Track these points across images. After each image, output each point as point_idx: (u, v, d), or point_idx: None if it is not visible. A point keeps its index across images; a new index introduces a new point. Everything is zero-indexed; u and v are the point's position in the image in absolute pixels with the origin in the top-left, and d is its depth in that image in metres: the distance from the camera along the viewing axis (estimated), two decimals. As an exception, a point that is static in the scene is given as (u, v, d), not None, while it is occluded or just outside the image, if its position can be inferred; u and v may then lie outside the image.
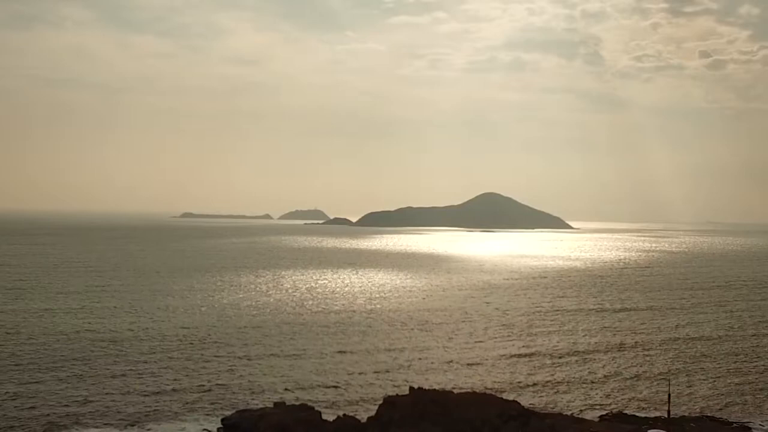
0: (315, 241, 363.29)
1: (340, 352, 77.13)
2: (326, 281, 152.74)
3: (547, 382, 66.64)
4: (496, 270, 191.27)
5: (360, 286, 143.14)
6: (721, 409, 59.07)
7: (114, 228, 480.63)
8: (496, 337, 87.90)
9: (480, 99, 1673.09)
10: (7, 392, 58.41)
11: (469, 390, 56.50)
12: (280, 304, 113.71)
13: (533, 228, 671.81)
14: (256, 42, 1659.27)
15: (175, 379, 63.89)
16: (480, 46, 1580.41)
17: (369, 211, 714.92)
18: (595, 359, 76.89)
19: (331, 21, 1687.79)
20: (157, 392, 59.66)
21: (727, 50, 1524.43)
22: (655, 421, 53.78)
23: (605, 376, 69.31)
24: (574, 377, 68.60)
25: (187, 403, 56.94)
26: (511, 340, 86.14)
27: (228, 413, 50.94)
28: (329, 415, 50.01)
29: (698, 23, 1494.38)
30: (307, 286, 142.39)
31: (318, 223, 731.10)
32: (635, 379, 68.67)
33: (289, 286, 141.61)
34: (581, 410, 57.39)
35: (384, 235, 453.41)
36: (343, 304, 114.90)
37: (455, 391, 52.62)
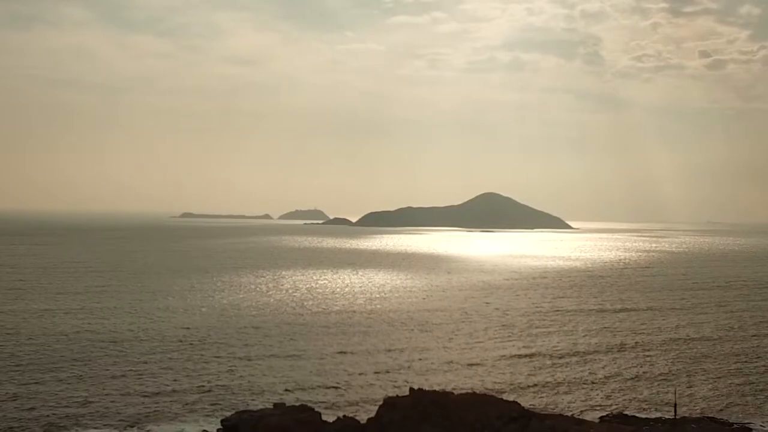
0: (315, 241, 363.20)
1: (340, 352, 77.04)
2: (326, 281, 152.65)
3: (548, 382, 66.54)
4: (496, 270, 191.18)
5: (360, 287, 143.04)
6: (721, 410, 58.95)
7: (114, 228, 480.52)
8: (496, 338, 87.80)
9: (479, 99, 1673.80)
10: (6, 393, 58.32)
11: (469, 391, 56.35)
12: (279, 304, 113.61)
13: (533, 228, 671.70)
14: (256, 42, 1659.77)
15: (174, 380, 63.80)
16: (479, 46, 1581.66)
17: (369, 211, 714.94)
18: (595, 360, 76.80)
19: (330, 21, 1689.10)
20: (157, 393, 59.57)
21: (727, 50, 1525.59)
22: (656, 422, 53.73)
23: (605, 377, 69.21)
24: (574, 378, 68.50)
25: (186, 404, 56.85)
26: (511, 341, 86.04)
27: (227, 414, 50.81)
28: (329, 416, 49.89)
29: (698, 23, 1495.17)
30: (307, 286, 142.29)
31: (318, 223, 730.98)
32: (636, 379, 68.57)
33: (288, 286, 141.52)
34: (581, 411, 57.31)
35: (384, 235, 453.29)
36: (343, 305, 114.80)
37: (455, 392, 52.47)
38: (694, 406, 59.96)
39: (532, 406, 54.94)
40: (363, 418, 49.34)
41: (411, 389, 49.07)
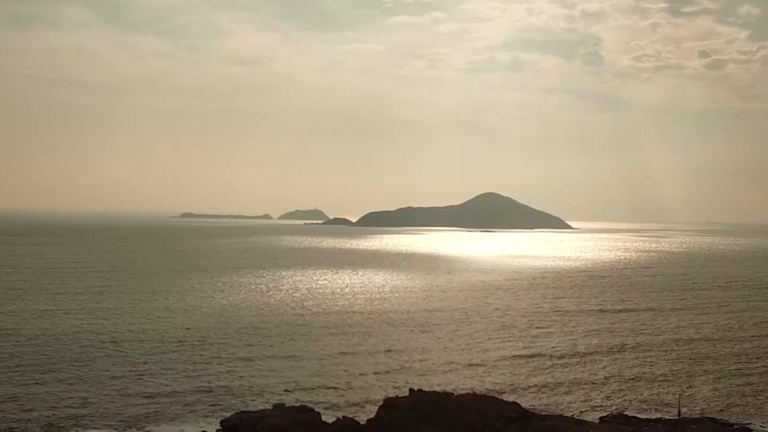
0: (315, 241, 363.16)
1: (340, 353, 76.99)
2: (326, 282, 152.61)
3: (548, 383, 66.49)
4: (496, 270, 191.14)
5: (360, 287, 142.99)
6: (722, 411, 58.90)
7: (114, 228, 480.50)
8: (496, 338, 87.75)
9: (479, 99, 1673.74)
10: (6, 393, 58.27)
11: (469, 391, 56.30)
12: (279, 304, 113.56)
13: (533, 228, 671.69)
14: (256, 42, 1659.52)
15: (174, 381, 63.76)
16: (479, 46, 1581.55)
17: (369, 211, 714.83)
18: (595, 360, 76.76)
19: (330, 21, 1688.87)
20: (157, 394, 59.53)
21: (727, 50, 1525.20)
22: (656, 423, 53.70)
23: (606, 378, 69.16)
24: (574, 378, 68.45)
25: (186, 405, 56.80)
26: (511, 341, 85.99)
27: (227, 415, 50.74)
28: (329, 417, 49.84)
29: (698, 23, 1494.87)
30: (307, 286, 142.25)
31: (318, 223, 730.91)
32: (636, 380, 68.52)
33: (288, 286, 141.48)
34: (582, 412, 57.27)
35: (384, 235, 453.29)
36: (343, 305, 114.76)
37: (455, 392, 52.40)
38: (695, 407, 59.90)
39: (532, 407, 54.89)
40: (363, 418, 49.31)
41: (411, 390, 49.02)
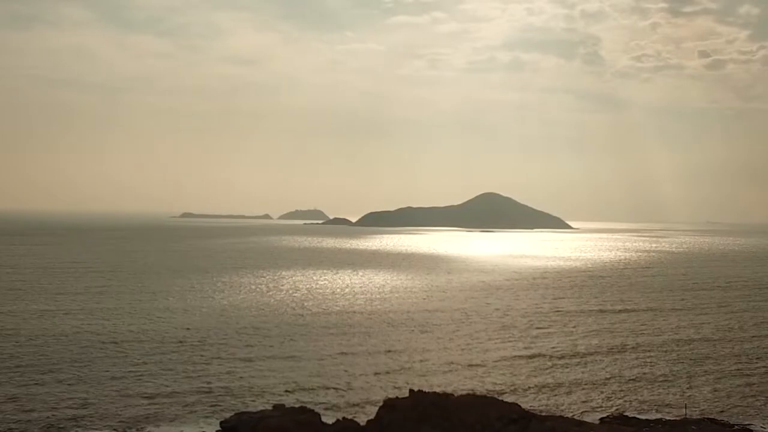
0: (315, 241, 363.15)
1: (340, 353, 76.94)
2: (326, 282, 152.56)
3: (548, 384, 66.44)
4: (497, 270, 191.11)
5: (360, 287, 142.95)
6: (722, 411, 58.84)
7: (114, 228, 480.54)
8: (496, 339, 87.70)
9: (479, 99, 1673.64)
10: (6, 394, 58.22)
11: (469, 392, 56.28)
12: (279, 305, 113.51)
13: (533, 228, 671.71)
14: (256, 42, 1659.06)
15: (174, 381, 63.71)
16: (479, 46, 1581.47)
17: (369, 211, 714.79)
18: (595, 361, 76.71)
19: (330, 21, 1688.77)
20: (157, 394, 59.47)
21: (727, 50, 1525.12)
22: (656, 423, 53.68)
23: (606, 378, 69.10)
24: (574, 379, 68.40)
25: (186, 406, 56.74)
26: (511, 342, 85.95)
27: (227, 415, 50.66)
28: (329, 418, 49.78)
29: (697, 23, 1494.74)
30: (307, 286, 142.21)
31: (318, 223, 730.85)
32: (636, 380, 68.46)
33: (288, 286, 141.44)
34: (582, 412, 57.21)
35: (384, 235, 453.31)
36: (343, 305, 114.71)
37: (455, 393, 52.33)
38: (695, 408, 59.84)
39: (532, 408, 54.85)
40: (363, 419, 49.24)
41: (411, 390, 48.94)
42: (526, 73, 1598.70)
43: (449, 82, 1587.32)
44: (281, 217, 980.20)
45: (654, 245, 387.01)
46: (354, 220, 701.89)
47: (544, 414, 51.92)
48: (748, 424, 55.17)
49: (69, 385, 61.77)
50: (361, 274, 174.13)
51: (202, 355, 74.20)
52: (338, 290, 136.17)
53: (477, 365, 73.11)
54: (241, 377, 65.88)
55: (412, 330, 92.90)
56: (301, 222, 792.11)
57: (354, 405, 57.89)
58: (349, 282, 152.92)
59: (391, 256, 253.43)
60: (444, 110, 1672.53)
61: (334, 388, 62.82)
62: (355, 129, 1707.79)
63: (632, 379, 68.82)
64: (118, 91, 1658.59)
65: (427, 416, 45.72)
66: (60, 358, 71.06)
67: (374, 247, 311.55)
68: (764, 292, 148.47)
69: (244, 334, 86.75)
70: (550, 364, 74.60)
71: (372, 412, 49.86)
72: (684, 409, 58.37)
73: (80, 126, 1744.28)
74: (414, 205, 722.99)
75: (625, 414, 56.60)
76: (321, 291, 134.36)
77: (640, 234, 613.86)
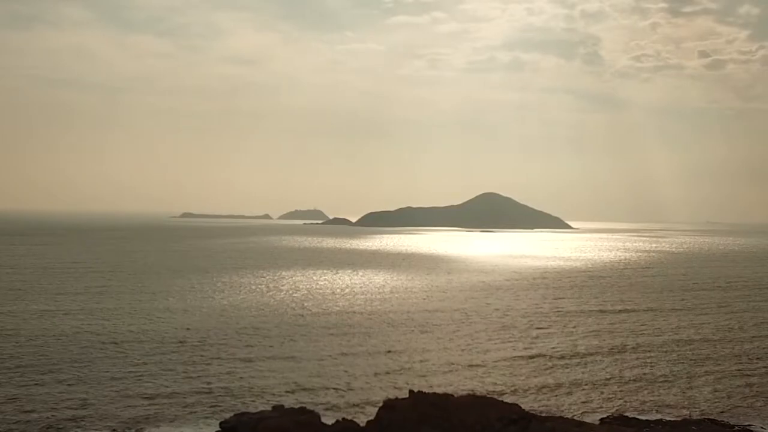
0: (314, 241, 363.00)
1: (340, 354, 76.86)
2: (326, 282, 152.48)
3: (548, 384, 66.38)
4: (496, 270, 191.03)
5: (360, 287, 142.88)
6: (723, 412, 58.78)
7: (114, 228, 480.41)
8: (496, 339, 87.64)
9: (479, 99, 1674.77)
10: (5, 395, 58.16)
11: (469, 393, 56.21)
12: (279, 305, 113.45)
13: (533, 228, 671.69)
14: (256, 42, 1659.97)
15: (174, 382, 63.66)
16: (479, 46, 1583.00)
17: (369, 211, 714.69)
18: (596, 361, 76.64)
19: (330, 21, 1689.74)
20: (156, 395, 59.41)
21: (727, 50, 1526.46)
22: (656, 424, 53.62)
23: (606, 379, 69.04)
24: (574, 379, 68.33)
25: (186, 406, 56.69)
26: (511, 342, 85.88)
27: (226, 416, 50.62)
28: (329, 419, 49.73)
29: (697, 23, 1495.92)
30: (307, 286, 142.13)
31: (317, 223, 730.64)
32: (636, 381, 68.39)
33: (288, 286, 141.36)
34: (582, 413, 57.17)
35: (384, 235, 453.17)
36: (343, 305, 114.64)
37: (455, 394, 52.27)
38: (695, 408, 59.80)
39: (532, 408, 54.77)
40: (363, 420, 49.17)
41: (411, 391, 48.88)
42: (526, 73, 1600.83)
43: (449, 82, 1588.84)
44: (281, 217, 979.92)
45: (654, 245, 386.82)
46: (354, 220, 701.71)
47: (544, 415, 51.87)
48: (749, 425, 55.12)
49: (69, 385, 61.71)
50: (361, 274, 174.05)
51: (202, 356, 74.13)
52: (338, 290, 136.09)
53: (477, 366, 73.05)
54: (240, 378, 65.82)
55: (412, 330, 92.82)
56: (300, 222, 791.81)
57: (354, 405, 57.83)
58: (349, 282, 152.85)
59: (391, 256, 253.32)
60: (444, 110, 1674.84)
61: (333, 389, 62.75)
62: (355, 129, 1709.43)
63: (632, 380, 68.75)
64: (118, 91, 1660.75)
65: (427, 417, 45.66)
66: (60, 359, 70.99)
67: (374, 247, 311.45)
68: (764, 292, 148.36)
69: (244, 334, 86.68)
70: (550, 364, 74.54)
71: (372, 412, 49.81)
72: (684, 410, 58.33)
73: (80, 126, 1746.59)
74: (414, 205, 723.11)
75: (626, 415, 56.54)
76: (321, 291, 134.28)
77: (639, 234, 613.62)
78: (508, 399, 55.14)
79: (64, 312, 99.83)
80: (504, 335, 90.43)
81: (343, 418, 49.18)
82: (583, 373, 71.28)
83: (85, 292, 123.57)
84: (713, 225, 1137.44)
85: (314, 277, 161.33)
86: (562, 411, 57.15)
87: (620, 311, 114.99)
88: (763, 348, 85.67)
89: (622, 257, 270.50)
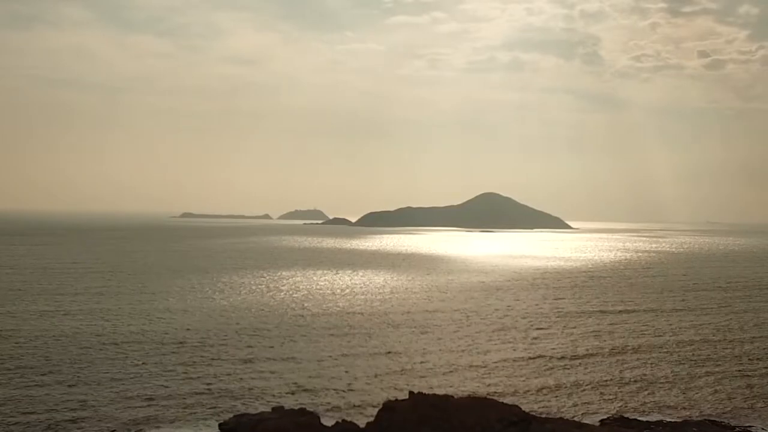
0: (314, 241, 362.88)
1: (340, 354, 76.79)
2: (326, 282, 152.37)
3: (548, 385, 66.30)
4: (497, 271, 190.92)
5: (360, 287, 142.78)
6: (723, 413, 58.73)
7: (114, 228, 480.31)
8: (496, 340, 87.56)
9: (479, 99, 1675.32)
10: (4, 395, 58.09)
11: (469, 394, 56.15)
12: (279, 305, 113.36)
13: (533, 228, 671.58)
14: (256, 42, 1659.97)
15: (173, 383, 63.56)
16: (479, 46, 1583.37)
17: (369, 211, 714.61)
18: (596, 362, 76.56)
19: (330, 21, 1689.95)
20: (156, 396, 59.33)
21: (726, 50, 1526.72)
22: (656, 425, 53.54)
23: (606, 380, 68.96)
24: (575, 380, 68.25)
25: (185, 407, 56.61)
26: (511, 343, 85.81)
27: (226, 417, 50.58)
28: (328, 420, 49.70)
29: (697, 23, 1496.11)
30: (307, 287, 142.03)
31: (317, 223, 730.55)
32: (637, 382, 68.32)
33: (288, 287, 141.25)
34: (582, 414, 57.11)
35: (383, 235, 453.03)
36: (343, 306, 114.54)
37: (456, 395, 52.21)
38: (696, 409, 59.74)
39: (532, 410, 54.69)
40: (362, 421, 49.11)
41: (411, 392, 48.85)
42: (526, 73, 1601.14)
43: (449, 82, 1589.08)
44: (281, 217, 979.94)
45: (654, 245, 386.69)
46: (354, 220, 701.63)
47: (544, 416, 51.81)
48: (749, 426, 55.06)
49: (68, 386, 61.63)
50: (361, 274, 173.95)
51: (201, 357, 74.05)
52: (338, 291, 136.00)
53: (477, 367, 72.97)
54: (240, 378, 65.73)
55: (412, 331, 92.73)
56: (300, 222, 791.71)
57: (354, 407, 57.75)
58: (349, 282, 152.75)
59: (391, 256, 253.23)
60: (444, 110, 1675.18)
61: (333, 390, 62.67)
62: (355, 129, 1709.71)
63: (632, 381, 68.68)
64: (118, 91, 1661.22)
65: (426, 418, 45.60)
66: (59, 359, 70.92)
67: (374, 248, 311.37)
68: (765, 292, 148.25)
69: (244, 335, 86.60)
70: (550, 365, 74.46)
71: (372, 414, 49.78)
72: (684, 411, 58.25)
73: (80, 126, 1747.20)
74: (414, 205, 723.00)
75: (626, 416, 56.45)
76: (321, 291, 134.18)
77: (639, 234, 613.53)
78: (508, 400, 55.03)
79: (64, 312, 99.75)
80: (504, 336, 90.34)
81: (343, 420, 49.15)
82: (583, 374, 71.19)
83: (85, 292, 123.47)
84: (713, 225, 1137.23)
85: (314, 278, 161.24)
86: (563, 412, 57.08)
87: (620, 312, 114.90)
88: (764, 349, 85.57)
89: (622, 257, 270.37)
